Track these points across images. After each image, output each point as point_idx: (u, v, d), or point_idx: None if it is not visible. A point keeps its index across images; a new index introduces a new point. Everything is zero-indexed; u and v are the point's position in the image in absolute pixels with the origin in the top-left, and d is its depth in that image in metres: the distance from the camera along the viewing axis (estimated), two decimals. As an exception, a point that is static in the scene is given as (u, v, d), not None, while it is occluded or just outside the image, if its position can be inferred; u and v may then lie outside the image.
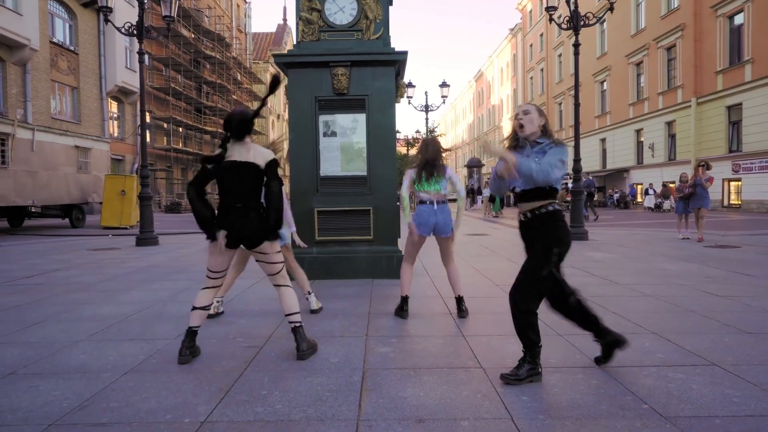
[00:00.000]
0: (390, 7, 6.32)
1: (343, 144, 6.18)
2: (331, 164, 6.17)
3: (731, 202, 21.96)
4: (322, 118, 6.14)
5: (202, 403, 2.53)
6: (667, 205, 23.60)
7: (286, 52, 6.16)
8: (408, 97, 22.06)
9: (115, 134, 26.87)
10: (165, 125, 31.01)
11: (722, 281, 5.86)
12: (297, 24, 6.21)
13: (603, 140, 32.96)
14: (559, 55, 39.30)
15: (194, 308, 3.28)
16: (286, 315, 3.31)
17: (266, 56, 58.41)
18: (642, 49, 27.60)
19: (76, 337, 3.78)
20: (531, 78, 46.48)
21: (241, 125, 3.19)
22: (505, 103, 54.40)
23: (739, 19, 21.11)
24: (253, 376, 2.92)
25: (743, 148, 20.74)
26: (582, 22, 10.91)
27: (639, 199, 28.20)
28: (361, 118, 6.11)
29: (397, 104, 6.30)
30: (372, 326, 3.98)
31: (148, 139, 27.27)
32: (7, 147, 13.49)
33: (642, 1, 27.56)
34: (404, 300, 4.32)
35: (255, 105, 45.36)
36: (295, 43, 6.23)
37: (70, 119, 23.04)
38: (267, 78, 54.90)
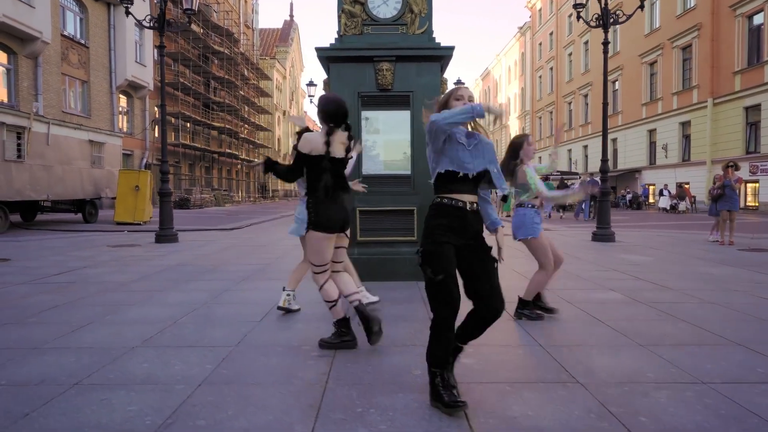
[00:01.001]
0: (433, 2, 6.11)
1: (387, 142, 5.98)
2: (374, 162, 5.97)
3: (748, 203, 21.74)
4: (365, 114, 5.93)
5: (297, 422, 2.34)
6: (682, 206, 23.39)
7: (327, 45, 5.94)
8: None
9: (124, 129, 26.67)
10: (173, 120, 30.81)
11: (778, 287, 5.67)
12: (339, 17, 6.00)
13: (614, 140, 32.72)
14: (570, 54, 39.04)
15: (331, 304, 3.44)
16: (347, 296, 3.50)
17: (273, 52, 58.20)
18: (656, 49, 27.35)
19: (131, 342, 3.59)
20: (540, 77, 46.24)
21: (345, 115, 3.43)
22: (513, 102, 54.15)
23: (758, 19, 20.86)
24: (339, 391, 2.72)
25: (761, 149, 20.52)
26: (611, 20, 10.67)
27: (651, 200, 27.97)
28: (406, 115, 5.90)
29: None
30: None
31: (157, 135, 27.12)
32: (23, 141, 13.29)
33: (656, 1, 27.28)
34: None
35: (261, 101, 45.22)
36: (336, 36, 6.02)
37: (80, 113, 22.84)
38: (273, 74, 54.73)
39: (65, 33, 22.07)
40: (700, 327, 4.00)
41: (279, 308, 4.43)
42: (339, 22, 5.95)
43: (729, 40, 22.07)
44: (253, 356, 3.30)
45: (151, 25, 10.85)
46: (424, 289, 2.54)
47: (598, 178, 22.87)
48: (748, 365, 3.13)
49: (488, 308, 2.55)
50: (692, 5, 24.52)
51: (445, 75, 6.22)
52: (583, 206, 20.67)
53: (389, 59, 5.79)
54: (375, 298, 4.74)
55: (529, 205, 4.35)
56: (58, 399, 2.61)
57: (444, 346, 2.52)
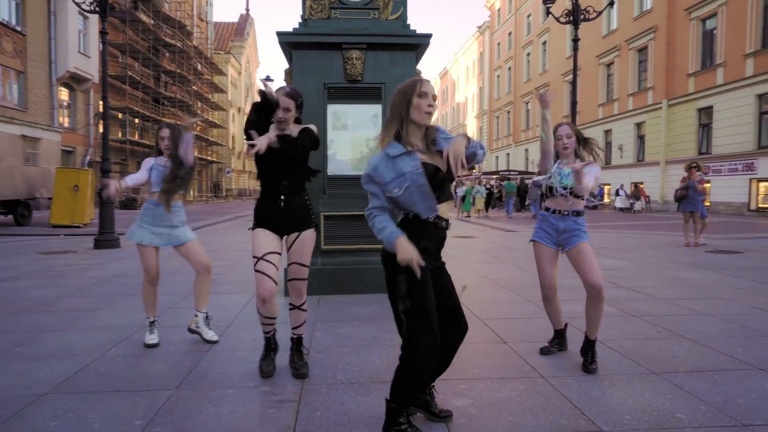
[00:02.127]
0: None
1: (355, 139, 5.37)
2: (341, 162, 5.35)
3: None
4: (332, 109, 5.30)
5: None
6: (638, 206, 23.77)
7: (291, 30, 5.27)
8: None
9: (66, 124, 24.92)
10: (120, 116, 29.13)
11: (757, 293, 5.44)
12: (303, -2, 5.34)
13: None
14: (528, 54, 39.38)
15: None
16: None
17: (227, 47, 56.39)
18: (613, 50, 27.77)
19: (40, 386, 2.85)
20: (498, 76, 46.55)
21: None
22: (471, 101, 54.42)
23: (711, 23, 21.35)
24: (308, 458, 2.11)
25: (713, 150, 21.02)
26: (582, 16, 10.42)
27: (607, 200, 28.42)
28: (377, 109, 5.31)
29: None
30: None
31: (102, 130, 25.49)
32: (-58, 135, 11.93)
33: (614, 2, 27.70)
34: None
35: (215, 97, 43.69)
36: (300, 20, 5.37)
37: (15, 106, 21.09)
38: (228, 69, 53.00)
39: (-2, 18, 20.32)
40: (707, 346, 3.60)
41: (189, 330, 3.79)
42: (303, 4, 5.30)
43: (683, 43, 22.53)
44: (198, 403, 2.64)
45: (92, 8, 9.84)
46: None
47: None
48: (782, 398, 2.71)
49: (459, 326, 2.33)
50: (649, 8, 24.96)
51: (419, 66, 5.66)
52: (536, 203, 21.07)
53: (359, 47, 5.18)
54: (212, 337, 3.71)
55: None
56: None
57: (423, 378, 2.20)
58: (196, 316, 3.74)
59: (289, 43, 5.18)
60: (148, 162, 3.68)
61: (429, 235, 2.20)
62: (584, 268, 3.15)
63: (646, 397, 2.74)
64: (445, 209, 2.23)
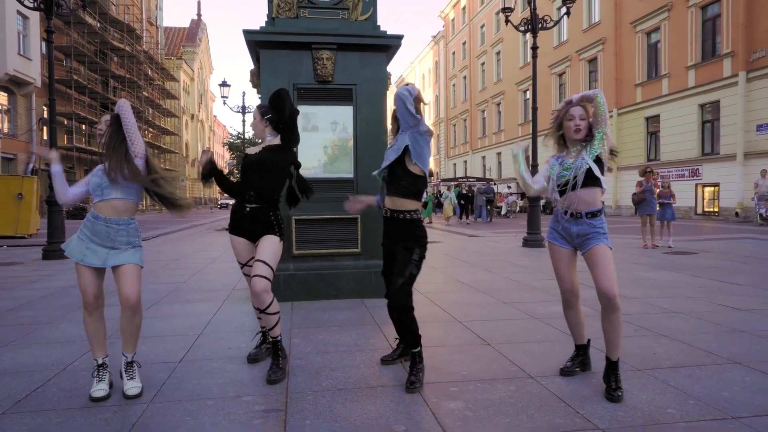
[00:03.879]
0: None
1: (326, 141, 5.25)
2: (312, 164, 5.22)
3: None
4: (302, 110, 5.14)
5: None
6: (592, 210, 24.52)
7: (257, 28, 5.11)
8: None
9: (5, 130, 23.59)
10: (65, 122, 27.84)
11: (720, 291, 5.62)
12: (269, -4, 5.20)
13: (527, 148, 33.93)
14: (482, 64, 40.19)
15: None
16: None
17: (179, 52, 55.04)
18: (564, 61, 28.69)
19: (-3, 405, 2.60)
20: (453, 85, 47.28)
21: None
22: (428, 110, 55.03)
23: (656, 36, 22.39)
24: (306, 471, 1.98)
25: (661, 157, 21.96)
26: (540, 25, 10.67)
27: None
28: (348, 110, 5.22)
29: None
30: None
31: (46, 137, 24.21)
32: None
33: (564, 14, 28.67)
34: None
35: (167, 103, 42.65)
36: (267, 19, 5.22)
37: (-51, 110, 19.81)
38: (180, 75, 51.63)
39: (-71, 17, 19.08)
40: (684, 342, 3.67)
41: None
42: (270, 2, 5.15)
43: (630, 55, 23.52)
44: (176, 416, 2.45)
45: (36, 5, 9.32)
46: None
47: (490, 185, 23.73)
48: (763, 389, 2.77)
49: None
50: (597, 20, 25.95)
51: (388, 68, 5.61)
52: (482, 209, 21.56)
53: (330, 47, 5.08)
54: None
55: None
56: None
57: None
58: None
59: (257, 42, 5.03)
60: (86, 180, 2.87)
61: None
62: (595, 273, 2.78)
63: (634, 393, 2.74)
64: (389, 202, 2.97)
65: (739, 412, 2.49)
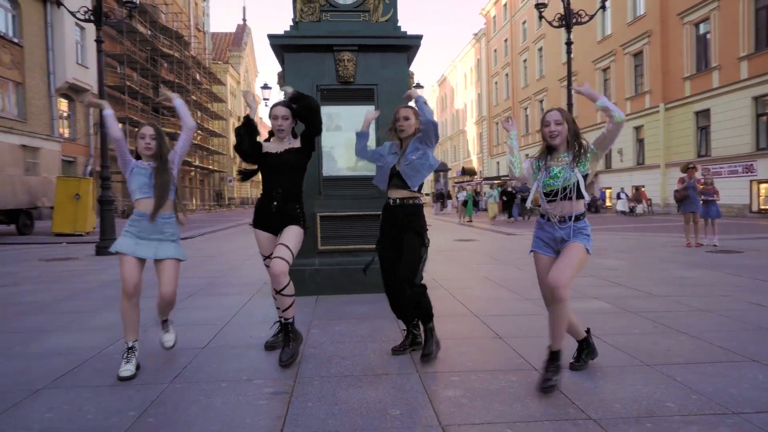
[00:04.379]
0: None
1: (350, 140, 5.39)
2: (336, 163, 5.39)
3: (699, 205, 22.28)
4: (325, 110, 5.30)
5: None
6: (639, 209, 23.79)
7: (283, 33, 5.33)
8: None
9: (66, 134, 25.03)
10: (120, 126, 29.17)
11: (757, 290, 5.43)
12: (294, 1, 5.40)
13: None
14: (525, 61, 39.56)
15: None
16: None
17: (226, 57, 56.73)
18: (609, 55, 27.90)
19: (38, 381, 2.88)
20: (496, 83, 46.73)
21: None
22: (469, 108, 54.60)
23: (704, 27, 21.47)
24: (299, 445, 2.13)
25: (712, 152, 21.06)
26: (575, 20, 10.50)
27: (608, 203, 28.45)
28: (370, 110, 5.34)
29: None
30: (418, 358, 3.23)
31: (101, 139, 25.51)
32: (-58, 145, 12.00)
33: (608, 8, 27.85)
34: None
35: (214, 106, 43.86)
36: (291, 23, 5.43)
37: (14, 117, 21.21)
38: (227, 79, 53.24)
39: (-4, 31, 20.48)
40: (703, 339, 3.61)
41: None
42: (294, 7, 5.36)
43: (678, 47, 22.64)
44: (191, 395, 2.66)
45: (87, 17, 9.93)
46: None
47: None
48: (773, 386, 2.72)
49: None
50: (642, 13, 25.11)
51: (411, 68, 5.72)
52: (514, 208, 21.38)
53: (351, 49, 5.24)
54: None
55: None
56: None
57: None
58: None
59: (281, 45, 5.24)
60: (129, 157, 3.20)
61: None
62: (556, 264, 2.76)
63: (637, 387, 2.75)
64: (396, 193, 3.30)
65: (741, 408, 2.46)
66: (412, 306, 3.22)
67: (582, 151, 2.80)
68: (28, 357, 3.37)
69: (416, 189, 3.26)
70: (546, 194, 2.81)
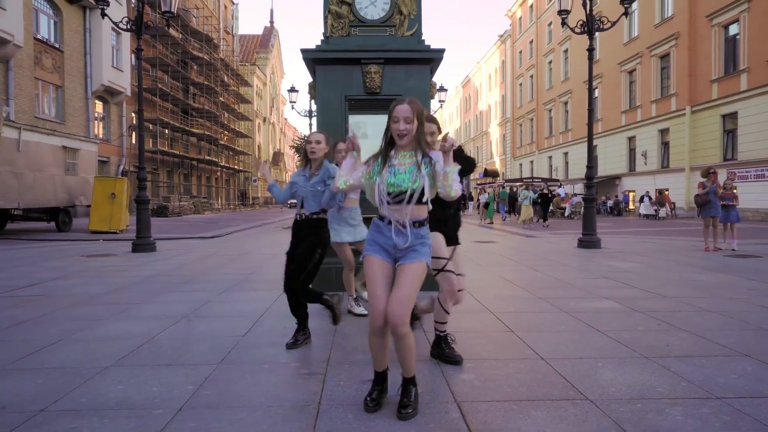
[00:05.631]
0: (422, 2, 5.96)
1: (375, 147, 5.77)
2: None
3: (725, 209, 22.05)
4: (353, 119, 5.74)
5: (289, 452, 2.11)
6: (662, 212, 23.64)
7: (313, 47, 5.74)
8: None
9: (100, 135, 26.04)
10: (151, 127, 30.23)
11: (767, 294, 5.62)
12: (325, 18, 5.81)
13: (594, 147, 32.98)
14: (549, 62, 39.45)
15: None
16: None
17: (253, 59, 57.78)
18: (635, 57, 27.74)
19: (104, 361, 3.31)
20: (520, 84, 46.65)
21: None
22: (493, 109, 54.57)
23: (734, 29, 21.27)
24: (333, 414, 2.50)
25: (739, 156, 20.86)
26: (596, 26, 10.69)
27: (632, 206, 28.28)
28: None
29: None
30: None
31: (135, 141, 26.49)
32: (-8, 147, 12.79)
33: (635, 10, 27.70)
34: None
35: (241, 107, 44.57)
36: (322, 38, 5.83)
37: (54, 119, 22.23)
38: (254, 80, 54.24)
39: (38, 36, 21.49)
40: (703, 336, 3.87)
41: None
42: (325, 23, 5.76)
43: (706, 49, 22.46)
44: (237, 375, 3.06)
45: (129, 27, 10.52)
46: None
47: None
48: (759, 377, 3.00)
49: None
50: (670, 15, 24.94)
51: (434, 79, 6.06)
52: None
53: (377, 62, 5.61)
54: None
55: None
56: (20, 429, 2.34)
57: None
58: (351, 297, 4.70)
59: (313, 59, 5.64)
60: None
61: None
62: (392, 292, 2.46)
63: (633, 376, 3.05)
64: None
65: (725, 394, 2.75)
66: (298, 307, 3.72)
67: (429, 160, 2.50)
68: (91, 341, 3.82)
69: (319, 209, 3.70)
70: (389, 195, 2.48)
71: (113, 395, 2.73)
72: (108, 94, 26.38)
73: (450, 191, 2.45)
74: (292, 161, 60.17)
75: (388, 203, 2.48)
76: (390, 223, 2.51)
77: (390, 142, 2.57)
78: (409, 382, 2.55)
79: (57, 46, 22.60)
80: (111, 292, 5.86)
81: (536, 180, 32.68)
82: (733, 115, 21.24)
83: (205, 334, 3.99)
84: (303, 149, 3.70)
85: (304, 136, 41.96)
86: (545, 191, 21.42)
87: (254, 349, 3.59)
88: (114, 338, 3.87)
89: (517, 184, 32.27)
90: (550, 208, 21.55)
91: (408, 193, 2.45)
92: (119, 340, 3.82)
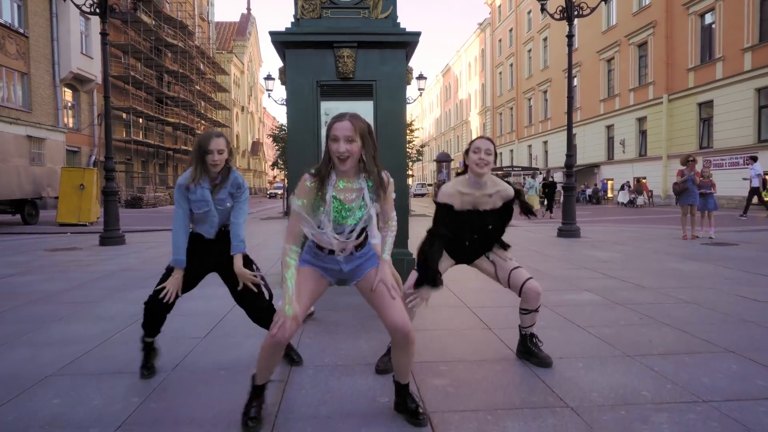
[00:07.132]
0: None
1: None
2: (334, 157, 5.50)
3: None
4: (325, 106, 5.46)
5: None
6: (640, 200, 23.84)
7: (284, 30, 5.43)
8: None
9: (70, 124, 25.21)
10: (124, 116, 29.39)
11: (746, 283, 5.55)
12: (295, -1, 5.49)
13: (573, 135, 33.17)
14: (529, 51, 39.40)
15: None
16: None
17: (230, 46, 56.63)
18: (613, 46, 27.80)
19: (45, 368, 3.03)
20: (500, 73, 46.59)
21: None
22: (473, 98, 54.48)
23: (709, 18, 21.37)
24: (291, 427, 2.28)
25: (714, 144, 21.07)
26: (576, 12, 10.52)
27: (610, 195, 28.49)
28: (369, 106, 5.46)
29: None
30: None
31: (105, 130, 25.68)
32: (-51, 136, 12.17)
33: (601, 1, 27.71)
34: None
35: (218, 96, 43.55)
36: (292, 20, 5.52)
37: (20, 107, 21.39)
38: (231, 69, 53.19)
39: (1, 21, 20.58)
40: (685, 331, 3.74)
41: None
42: (296, 4, 5.45)
43: (682, 38, 22.56)
44: (190, 384, 2.81)
45: (92, 10, 10.02)
46: None
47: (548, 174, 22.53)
48: (745, 376, 2.85)
49: None
50: (647, 3, 24.99)
51: (410, 64, 5.81)
52: None
53: (350, 45, 5.33)
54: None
55: None
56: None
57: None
58: None
59: (282, 42, 5.34)
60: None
61: None
62: (384, 305, 2.28)
63: (616, 377, 2.88)
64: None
65: (711, 397, 2.60)
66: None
67: (381, 184, 2.23)
68: (39, 345, 3.53)
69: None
70: (334, 231, 2.20)
71: (46, 411, 2.46)
72: (77, 82, 25.51)
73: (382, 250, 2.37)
74: (271, 150, 59.45)
75: (334, 237, 2.20)
76: (331, 252, 2.26)
77: (329, 163, 2.16)
78: (408, 388, 2.42)
79: (21, 31, 21.70)
80: (71, 289, 5.53)
81: (515, 168, 32.72)
82: (709, 104, 21.41)
83: (162, 336, 3.70)
84: (198, 156, 2.84)
85: (282, 125, 41.38)
86: (551, 179, 19.16)
87: (213, 353, 3.34)
88: (63, 342, 3.58)
89: (498, 173, 32.20)
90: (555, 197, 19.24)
91: (357, 227, 2.23)
92: (69, 344, 3.53)
